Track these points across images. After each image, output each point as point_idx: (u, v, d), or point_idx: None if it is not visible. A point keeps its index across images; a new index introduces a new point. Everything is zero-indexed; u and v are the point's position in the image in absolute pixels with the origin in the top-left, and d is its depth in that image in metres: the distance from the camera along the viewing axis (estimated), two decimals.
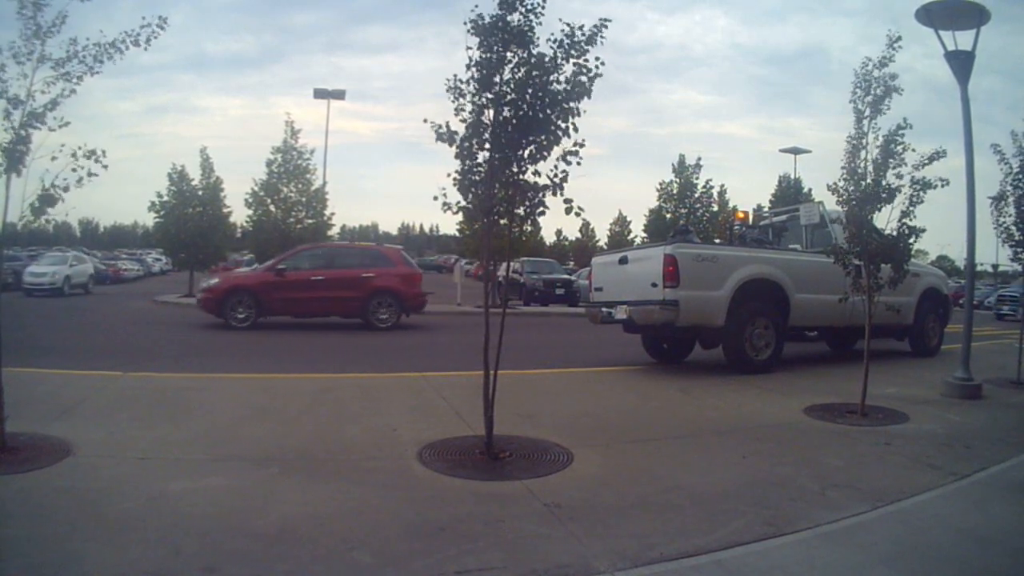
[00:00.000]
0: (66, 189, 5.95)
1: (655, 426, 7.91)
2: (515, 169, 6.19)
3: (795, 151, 46.92)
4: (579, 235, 76.60)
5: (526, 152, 6.17)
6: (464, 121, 6.23)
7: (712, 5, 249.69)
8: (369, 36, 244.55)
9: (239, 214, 28.97)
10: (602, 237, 73.42)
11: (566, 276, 32.94)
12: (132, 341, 15.25)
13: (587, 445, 6.78)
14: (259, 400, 8.47)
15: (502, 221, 6.47)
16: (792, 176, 48.12)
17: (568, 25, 6.08)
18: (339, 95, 35.53)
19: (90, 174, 5.98)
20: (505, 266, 8.41)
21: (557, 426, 7.49)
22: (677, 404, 9.22)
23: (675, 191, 35.28)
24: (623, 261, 12.63)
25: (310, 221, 25.65)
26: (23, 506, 4.86)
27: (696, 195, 34.99)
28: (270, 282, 18.41)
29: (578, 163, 6.21)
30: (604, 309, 12.65)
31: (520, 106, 6.10)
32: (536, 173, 6.24)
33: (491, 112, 6.15)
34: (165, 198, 28.46)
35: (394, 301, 18.79)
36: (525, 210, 6.37)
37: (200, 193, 28.71)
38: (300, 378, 10.20)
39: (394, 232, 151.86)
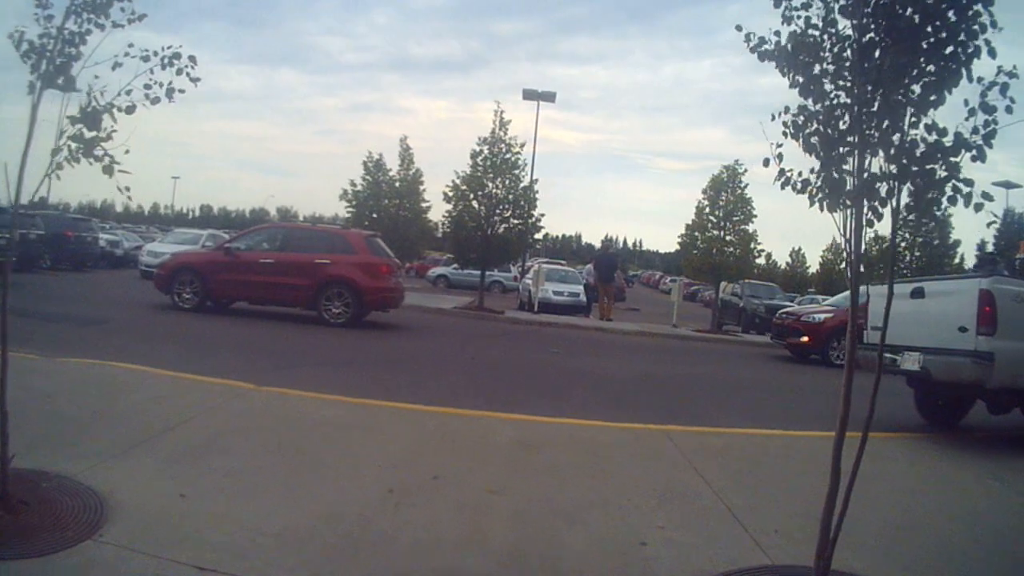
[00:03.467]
0: (130, 110, 3.85)
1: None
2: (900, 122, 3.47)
3: (1007, 185, 41.46)
4: (788, 261, 71.61)
5: (914, 89, 3.46)
6: (803, 32, 3.62)
7: None
8: (575, 46, 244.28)
9: (437, 211, 26.97)
10: (813, 264, 68.16)
11: (788, 304, 29.56)
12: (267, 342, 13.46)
13: None
14: (427, 452, 6.06)
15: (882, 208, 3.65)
16: None
17: None
18: (549, 97, 33.52)
19: (172, 92, 4.15)
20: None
21: (885, 548, 4.70)
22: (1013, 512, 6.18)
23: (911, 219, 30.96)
24: (917, 294, 9.64)
25: (516, 222, 23.35)
26: None
27: (932, 224, 30.55)
28: (218, 262, 16.22)
29: (1009, 107, 3.41)
30: (886, 355, 9.66)
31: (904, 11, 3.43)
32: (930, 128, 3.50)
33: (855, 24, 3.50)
34: (359, 187, 27.00)
35: (349, 294, 15.82)
36: (916, 188, 3.55)
37: (397, 185, 27.16)
38: (490, 418, 7.71)
39: (596, 244, 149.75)
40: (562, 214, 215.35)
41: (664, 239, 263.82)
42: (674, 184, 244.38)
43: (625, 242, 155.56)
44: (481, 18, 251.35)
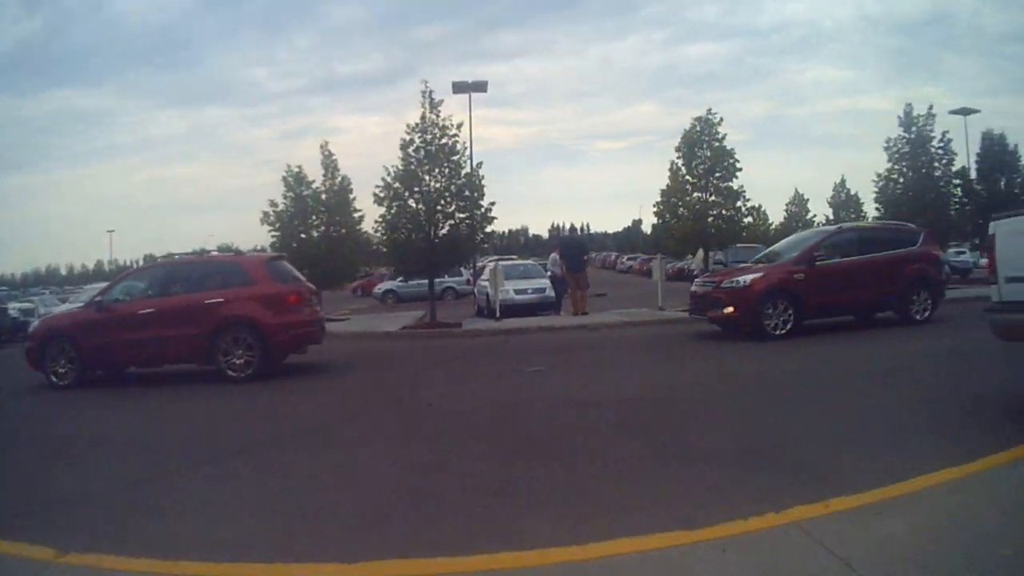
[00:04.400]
0: None
1: None
2: None
3: (964, 112, 38.31)
4: (748, 220, 68.47)
5: None
6: None
7: None
8: (500, 43, 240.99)
9: (371, 217, 22.86)
10: (775, 220, 65.42)
11: None
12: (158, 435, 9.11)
13: None
14: None
15: None
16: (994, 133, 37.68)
17: None
18: (481, 87, 30.09)
19: None
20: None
21: None
22: None
23: (906, 149, 26.77)
24: None
25: (462, 216, 19.47)
26: None
27: (934, 151, 26.72)
28: (90, 322, 12.63)
29: None
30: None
31: None
32: None
33: None
34: (280, 207, 23.11)
35: (252, 337, 12.10)
36: None
37: (324, 197, 23.34)
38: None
39: (545, 235, 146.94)
40: (506, 210, 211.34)
41: (611, 220, 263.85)
42: (613, 164, 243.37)
43: (573, 227, 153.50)
44: (402, 26, 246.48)
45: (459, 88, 29.73)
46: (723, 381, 10.25)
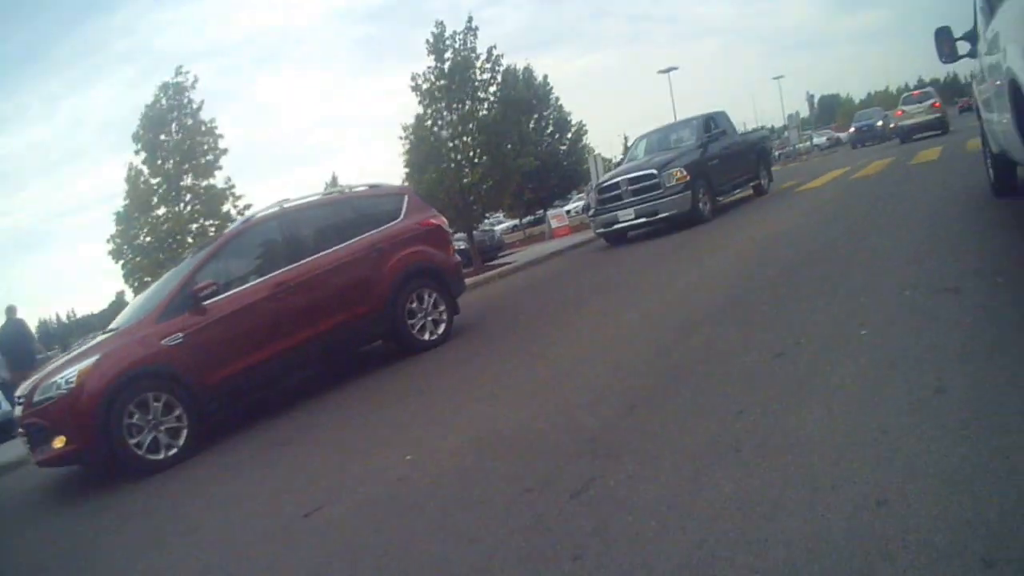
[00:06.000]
0: None
1: None
2: None
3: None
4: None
5: None
6: None
7: None
8: None
9: None
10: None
11: None
12: None
13: None
14: None
15: None
16: None
17: None
18: None
19: None
20: None
21: None
22: None
23: (442, 82, 18.42)
24: None
25: None
26: None
27: (488, 75, 18.85)
28: None
29: None
30: None
31: None
32: None
33: None
34: None
35: None
36: None
37: None
38: None
39: None
40: None
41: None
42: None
43: (12, 307, 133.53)
44: None
45: None
46: None
